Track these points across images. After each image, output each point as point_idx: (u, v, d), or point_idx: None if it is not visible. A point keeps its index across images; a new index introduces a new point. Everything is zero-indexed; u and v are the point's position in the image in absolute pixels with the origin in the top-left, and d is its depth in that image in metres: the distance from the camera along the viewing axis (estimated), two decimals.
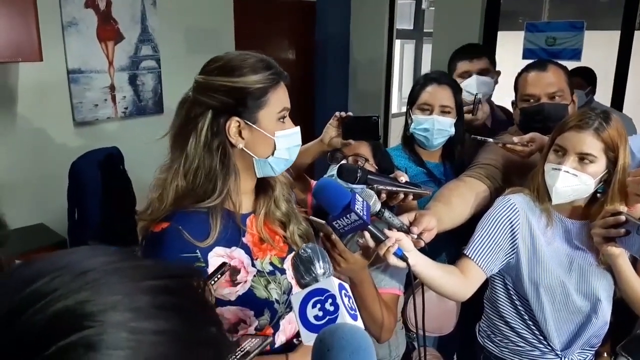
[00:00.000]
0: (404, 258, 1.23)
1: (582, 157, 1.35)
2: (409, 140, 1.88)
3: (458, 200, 1.58)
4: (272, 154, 1.11)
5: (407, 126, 1.87)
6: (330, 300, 0.89)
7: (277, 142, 1.10)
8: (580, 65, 3.57)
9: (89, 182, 2.97)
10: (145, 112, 3.88)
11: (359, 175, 1.41)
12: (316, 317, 0.89)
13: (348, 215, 1.15)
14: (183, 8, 4.02)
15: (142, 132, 3.54)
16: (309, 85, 5.04)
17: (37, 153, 3.38)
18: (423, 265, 1.31)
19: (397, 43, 6.46)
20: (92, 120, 3.64)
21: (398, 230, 1.31)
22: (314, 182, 1.74)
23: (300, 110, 5.00)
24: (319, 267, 0.96)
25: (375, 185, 1.38)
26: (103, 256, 0.44)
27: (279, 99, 1.10)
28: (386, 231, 1.23)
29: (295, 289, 1.20)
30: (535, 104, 1.74)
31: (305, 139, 1.69)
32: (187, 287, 0.46)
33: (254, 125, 1.08)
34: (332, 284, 0.92)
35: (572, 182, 1.36)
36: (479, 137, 1.69)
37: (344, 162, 1.56)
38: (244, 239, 1.13)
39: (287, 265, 1.20)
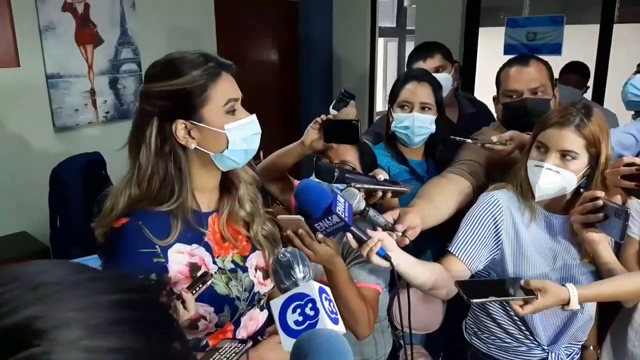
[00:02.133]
0: (387, 258, 1.23)
1: (564, 154, 1.35)
2: (392, 139, 1.87)
3: (441, 198, 1.58)
4: (227, 147, 1.10)
5: (388, 124, 1.86)
6: (310, 305, 0.89)
7: (229, 135, 1.09)
8: (562, 59, 3.59)
9: (71, 188, 2.92)
10: (127, 116, 3.83)
11: (336, 174, 1.40)
12: (296, 322, 0.88)
13: (330, 217, 1.14)
14: (163, 9, 3.97)
15: (124, 137, 3.48)
16: (292, 85, 5.02)
17: (17, 160, 3.32)
18: (406, 264, 1.30)
19: (381, 41, 6.47)
20: (73, 125, 3.59)
21: (383, 229, 1.30)
22: (297, 182, 1.73)
23: (284, 110, 4.99)
24: (299, 272, 0.95)
25: (352, 184, 1.37)
26: (60, 269, 0.42)
27: (222, 91, 1.09)
28: (369, 231, 1.22)
29: (257, 287, 1.21)
30: (517, 99, 1.74)
31: (290, 139, 1.69)
32: (149, 301, 0.44)
33: (200, 124, 1.07)
34: (312, 288, 0.91)
35: (554, 179, 1.36)
36: (457, 137, 1.69)
37: (324, 161, 1.54)
38: (205, 237, 1.13)
39: (250, 263, 1.20)
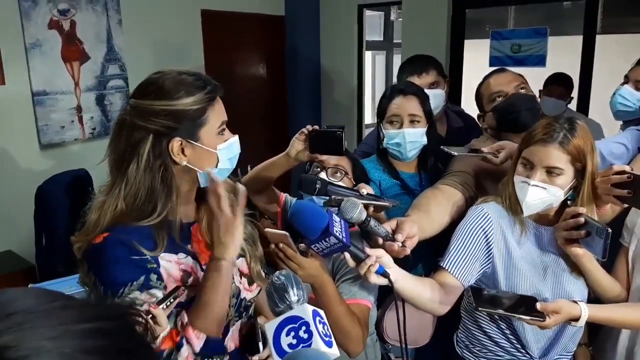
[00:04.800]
0: (385, 275, 1.22)
1: (550, 170, 1.36)
2: (383, 153, 1.87)
3: (436, 209, 1.58)
4: (216, 165, 1.14)
5: (379, 140, 1.86)
6: (304, 328, 0.89)
7: (219, 155, 1.14)
8: (547, 70, 3.64)
9: (57, 206, 2.88)
10: None
11: (318, 186, 1.40)
12: (290, 345, 0.88)
13: (327, 239, 1.13)
14: (150, 25, 3.98)
15: None
16: (280, 99, 5.04)
17: (2, 177, 3.29)
18: (404, 281, 1.29)
19: (368, 54, 6.52)
20: (59, 142, 3.57)
21: (384, 239, 1.29)
22: (283, 195, 1.72)
23: (272, 124, 5.00)
24: (293, 295, 0.95)
25: (333, 197, 1.36)
26: (31, 298, 0.41)
27: (217, 114, 1.14)
28: (367, 249, 1.21)
29: (244, 293, 1.22)
30: (504, 99, 1.77)
31: (278, 153, 1.68)
32: (124, 328, 0.44)
33: (196, 143, 1.10)
34: (306, 311, 0.91)
35: (541, 195, 1.37)
36: (445, 148, 1.70)
37: (316, 171, 1.54)
38: (189, 247, 1.15)
39: (234, 270, 1.20)
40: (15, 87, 3.31)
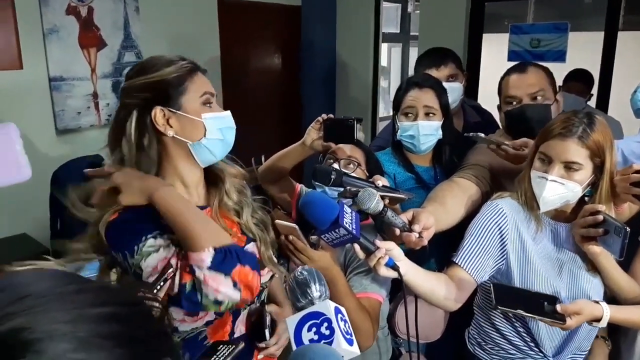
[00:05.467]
0: (395, 268, 1.21)
1: (568, 165, 1.33)
2: (398, 146, 1.85)
3: (453, 201, 1.56)
4: (204, 135, 1.13)
5: (394, 132, 1.85)
6: (326, 324, 0.89)
7: (206, 123, 1.13)
8: (566, 66, 3.58)
9: None
10: None
11: (333, 177, 1.39)
12: (311, 341, 0.88)
13: (337, 230, 1.13)
14: (167, 14, 3.98)
15: None
16: (295, 90, 5.02)
17: None
18: (414, 275, 1.28)
19: (385, 46, 6.47)
20: (75, 128, 3.59)
21: (401, 230, 1.28)
22: (298, 186, 1.72)
23: (287, 115, 4.99)
24: (315, 290, 0.95)
25: (348, 188, 1.35)
26: (47, 281, 0.41)
27: (199, 84, 1.14)
28: (377, 242, 1.20)
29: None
30: (517, 106, 1.73)
31: (292, 144, 1.68)
32: (139, 315, 0.43)
33: (179, 112, 1.12)
34: (328, 307, 0.91)
35: (559, 191, 1.34)
36: (471, 134, 1.68)
37: (328, 162, 1.53)
38: None
39: None
40: (32, 73, 3.33)
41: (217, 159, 1.18)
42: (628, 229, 1.22)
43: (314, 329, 0.89)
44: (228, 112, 1.20)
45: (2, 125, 0.82)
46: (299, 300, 0.96)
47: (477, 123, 2.30)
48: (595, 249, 1.34)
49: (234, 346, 1.02)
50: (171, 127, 1.11)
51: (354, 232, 1.13)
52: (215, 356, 1.00)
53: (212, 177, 1.22)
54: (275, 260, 1.27)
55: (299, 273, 0.98)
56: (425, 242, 1.29)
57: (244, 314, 1.20)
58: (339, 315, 0.91)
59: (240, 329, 1.19)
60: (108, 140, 1.15)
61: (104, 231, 1.07)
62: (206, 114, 1.13)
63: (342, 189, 1.41)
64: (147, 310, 0.44)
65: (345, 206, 1.17)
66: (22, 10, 3.24)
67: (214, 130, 1.14)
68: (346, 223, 1.12)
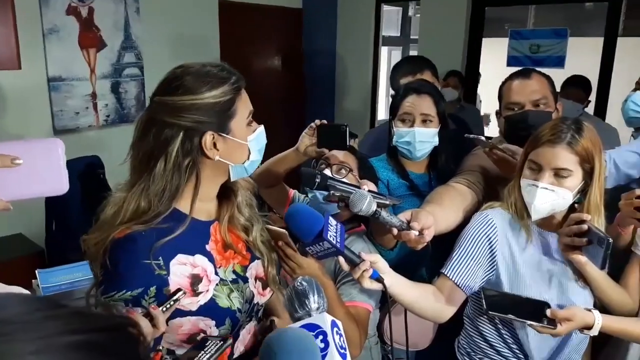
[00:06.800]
0: (380, 280, 1.20)
1: (558, 172, 1.33)
2: (394, 152, 1.85)
3: (450, 203, 1.55)
4: (248, 157, 1.12)
5: (390, 138, 1.84)
6: (321, 337, 0.88)
7: (250, 146, 1.12)
8: (565, 72, 3.57)
9: (68, 192, 2.91)
10: (128, 120, 3.84)
11: (317, 180, 1.38)
12: None
13: (321, 243, 1.12)
14: (167, 15, 3.99)
15: (124, 141, 3.48)
16: (296, 92, 5.02)
17: None
18: (400, 286, 1.28)
19: (385, 50, 6.47)
20: (73, 128, 3.60)
21: (398, 229, 1.26)
22: (292, 191, 1.72)
23: (288, 118, 4.99)
24: (313, 302, 0.94)
25: (332, 192, 1.34)
26: (16, 306, 0.39)
27: (245, 104, 1.11)
28: (362, 254, 1.20)
29: (257, 297, 1.20)
30: (519, 112, 1.72)
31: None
32: (117, 341, 0.41)
33: (227, 136, 1.08)
34: (325, 320, 0.90)
35: (550, 198, 1.34)
36: (472, 135, 1.67)
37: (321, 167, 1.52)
38: (207, 247, 1.12)
39: (250, 273, 1.18)
40: (31, 72, 3.34)
41: (248, 175, 1.17)
42: (611, 240, 1.22)
43: None
44: (262, 128, 1.16)
45: (51, 140, 0.84)
46: (297, 311, 0.95)
47: (454, 131, 2.30)
48: (581, 259, 1.33)
49: (222, 342, 1.01)
50: (217, 150, 1.07)
51: (338, 245, 1.13)
52: (202, 351, 1.00)
53: (224, 189, 1.19)
54: (277, 279, 1.25)
55: (298, 283, 0.97)
56: (427, 240, 1.27)
57: (243, 334, 1.18)
58: (335, 329, 0.91)
59: (240, 349, 1.18)
60: (134, 155, 1.07)
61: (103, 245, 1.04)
62: (251, 136, 1.11)
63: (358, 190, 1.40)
64: (127, 336, 0.42)
65: (330, 218, 1.17)
66: (22, 9, 3.25)
67: (255, 152, 1.13)
68: (330, 236, 1.12)
